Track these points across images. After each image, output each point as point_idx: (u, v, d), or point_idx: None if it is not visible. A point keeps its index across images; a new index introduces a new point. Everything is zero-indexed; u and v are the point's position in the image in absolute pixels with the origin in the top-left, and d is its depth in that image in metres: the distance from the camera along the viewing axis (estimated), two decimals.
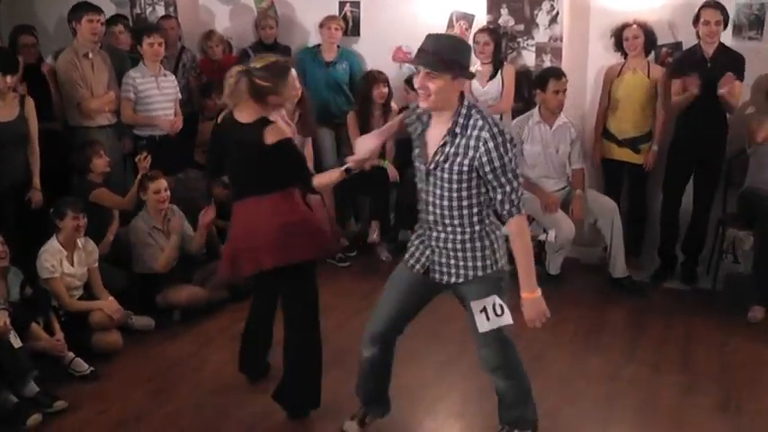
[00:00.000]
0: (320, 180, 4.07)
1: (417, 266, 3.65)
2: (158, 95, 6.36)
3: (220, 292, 5.77)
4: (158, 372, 4.82)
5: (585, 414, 4.36)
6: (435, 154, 3.41)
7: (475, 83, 6.48)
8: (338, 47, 7.12)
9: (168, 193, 5.64)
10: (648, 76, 6.13)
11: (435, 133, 3.45)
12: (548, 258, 6.23)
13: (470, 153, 3.32)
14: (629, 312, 5.76)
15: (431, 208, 3.52)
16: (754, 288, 5.66)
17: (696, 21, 5.83)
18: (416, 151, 3.57)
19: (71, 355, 4.76)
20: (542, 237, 6.09)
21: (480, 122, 3.32)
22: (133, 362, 4.96)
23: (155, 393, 4.56)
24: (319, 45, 7.15)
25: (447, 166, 3.38)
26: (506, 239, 3.55)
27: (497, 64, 6.46)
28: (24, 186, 5.57)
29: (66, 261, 5.06)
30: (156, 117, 6.32)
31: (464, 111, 3.36)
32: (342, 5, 7.31)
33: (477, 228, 3.49)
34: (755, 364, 4.96)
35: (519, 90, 6.59)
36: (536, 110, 6.15)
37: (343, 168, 3.90)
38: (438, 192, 3.46)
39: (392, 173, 6.69)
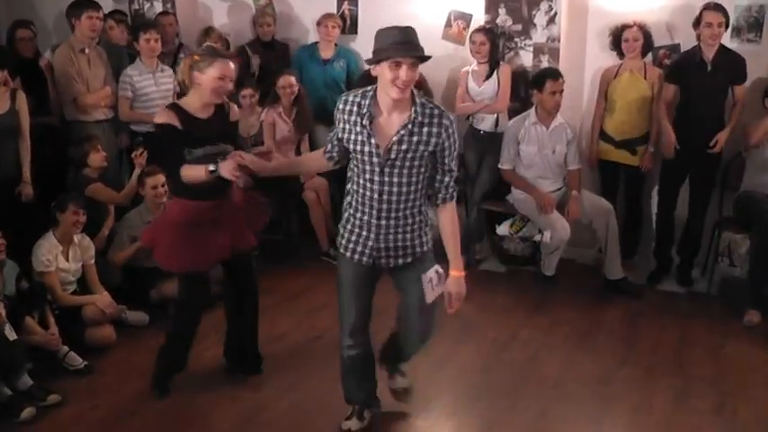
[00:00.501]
0: (186, 173, 4.02)
1: (364, 259, 3.72)
2: (156, 92, 6.36)
3: (215, 287, 5.74)
4: (151, 367, 4.78)
5: (579, 416, 4.36)
6: (397, 143, 3.49)
7: (471, 82, 6.47)
8: (336, 45, 7.11)
9: (166, 188, 5.62)
10: (645, 78, 6.12)
11: (390, 123, 3.52)
12: (543, 259, 6.22)
13: (433, 140, 3.49)
14: (624, 314, 5.75)
15: (384, 197, 3.58)
16: (749, 292, 5.66)
17: (697, 23, 5.80)
18: (359, 142, 3.56)
19: (65, 349, 4.75)
20: (538, 237, 6.09)
21: (436, 111, 3.52)
22: (127, 356, 4.95)
23: (147, 389, 4.53)
24: (317, 43, 7.14)
25: (410, 155, 3.50)
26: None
27: (494, 64, 6.45)
28: (15, 180, 5.54)
29: (61, 256, 5.06)
30: (153, 112, 6.30)
31: (419, 100, 3.52)
32: (340, 3, 7.30)
33: (422, 209, 3.71)
34: (751, 368, 4.96)
35: (516, 90, 6.58)
36: (533, 110, 6.15)
37: (209, 168, 3.90)
38: (396, 180, 3.55)
39: None
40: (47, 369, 4.63)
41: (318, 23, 7.04)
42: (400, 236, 3.68)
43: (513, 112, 6.47)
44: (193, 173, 3.99)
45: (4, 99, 5.50)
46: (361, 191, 3.63)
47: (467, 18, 6.86)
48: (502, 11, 6.75)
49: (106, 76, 6.32)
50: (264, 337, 5.19)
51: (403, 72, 3.39)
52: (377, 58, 3.45)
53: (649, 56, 6.25)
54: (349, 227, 3.75)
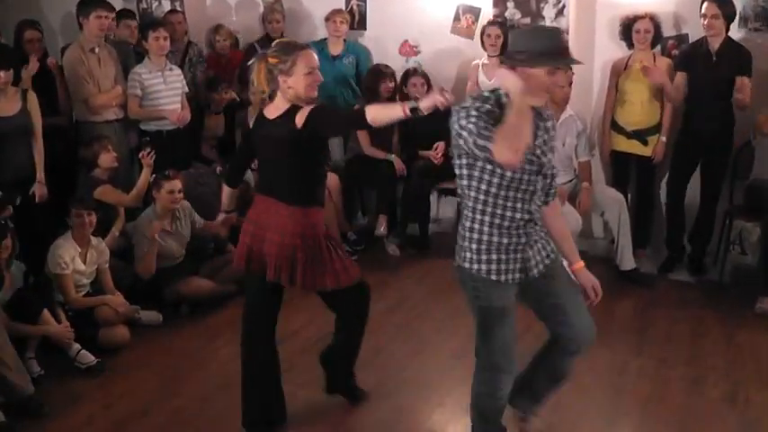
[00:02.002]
0: (376, 113, 3.59)
1: (517, 276, 3.41)
2: (165, 90, 6.37)
3: (228, 286, 5.78)
4: (166, 366, 4.84)
5: (593, 408, 4.36)
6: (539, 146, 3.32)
7: (482, 75, 6.49)
8: (345, 41, 7.11)
9: (182, 194, 5.63)
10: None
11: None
12: None
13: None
14: (637, 305, 5.75)
15: (535, 199, 3.36)
16: (761, 279, 5.66)
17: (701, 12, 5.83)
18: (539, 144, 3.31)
19: (77, 346, 4.78)
20: None
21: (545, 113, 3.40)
22: (140, 356, 4.97)
23: (162, 388, 4.58)
24: (326, 39, 7.14)
25: (551, 155, 3.40)
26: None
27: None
28: (28, 180, 5.57)
29: (78, 258, 5.07)
30: (163, 109, 6.33)
31: None
32: None
33: None
34: (763, 356, 4.96)
35: None
36: None
37: (408, 106, 3.47)
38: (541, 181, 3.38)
39: (399, 166, 6.70)
40: (59, 369, 4.67)
41: (327, 19, 7.04)
42: (543, 238, 3.48)
43: None
44: (387, 111, 3.61)
45: (15, 99, 5.52)
46: (510, 209, 3.31)
47: (475, 12, 6.86)
48: (510, 4, 6.75)
49: (116, 75, 6.34)
50: (278, 333, 5.18)
51: (560, 77, 3.29)
52: (538, 64, 3.16)
53: (658, 47, 6.24)
54: (503, 251, 3.36)
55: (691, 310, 5.61)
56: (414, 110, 3.45)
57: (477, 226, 3.35)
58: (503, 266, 3.37)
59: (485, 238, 3.34)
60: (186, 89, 6.58)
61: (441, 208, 7.30)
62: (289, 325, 5.35)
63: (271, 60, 3.72)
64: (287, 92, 3.73)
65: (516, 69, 3.17)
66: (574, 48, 6.43)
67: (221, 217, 4.80)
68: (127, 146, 6.44)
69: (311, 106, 3.71)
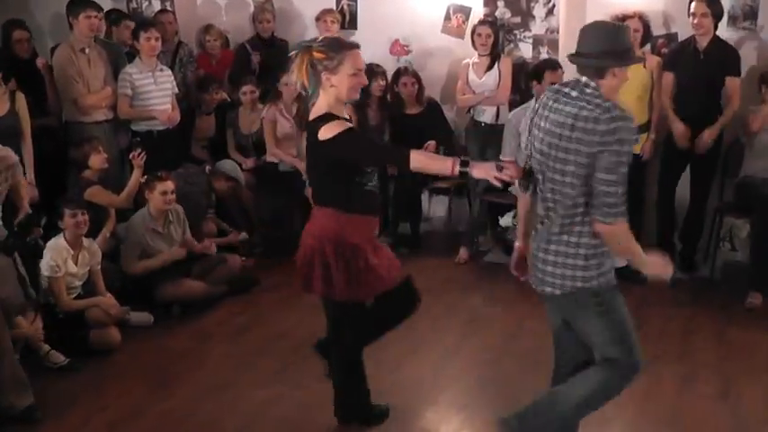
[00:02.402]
0: (421, 163, 3.52)
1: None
2: (155, 90, 6.35)
3: (219, 287, 5.77)
4: (157, 367, 4.82)
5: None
6: None
7: (472, 74, 6.48)
8: None
9: (174, 195, 5.60)
10: (644, 67, 6.13)
11: None
12: None
13: None
14: (629, 302, 5.58)
15: None
16: (751, 275, 5.70)
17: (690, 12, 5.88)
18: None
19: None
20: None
21: None
22: (132, 358, 4.95)
23: (153, 389, 4.55)
24: (317, 38, 7.11)
25: None
26: None
27: (495, 56, 6.45)
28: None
29: (70, 260, 5.04)
30: (153, 110, 6.31)
31: None
32: None
33: None
34: (754, 351, 4.98)
35: (516, 82, 6.59)
36: (533, 101, 6.14)
37: (458, 167, 3.39)
38: None
39: None
40: (53, 371, 4.66)
41: (317, 19, 7.02)
42: None
43: (513, 104, 6.48)
44: (435, 163, 3.60)
45: (3, 101, 5.51)
46: None
47: (466, 11, 6.87)
48: (500, 3, 6.77)
49: (106, 75, 6.32)
50: (269, 334, 5.23)
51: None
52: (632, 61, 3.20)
53: (647, 45, 6.26)
54: (604, 257, 3.27)
55: (682, 307, 5.63)
56: (463, 173, 3.42)
57: (585, 238, 3.22)
58: (611, 267, 3.30)
59: (592, 242, 3.22)
60: (176, 89, 6.57)
61: (432, 207, 7.30)
62: (280, 325, 5.37)
63: (316, 55, 3.55)
64: (328, 91, 3.58)
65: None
66: (564, 47, 6.54)
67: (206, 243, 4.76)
68: (117, 147, 6.42)
69: (342, 127, 3.50)
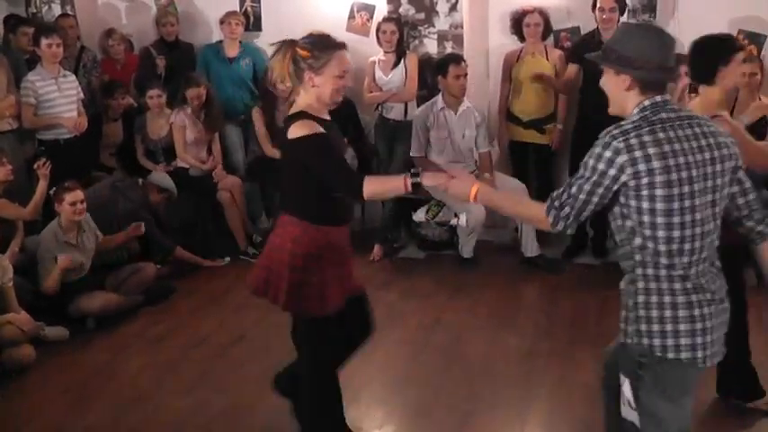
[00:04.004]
0: (374, 191, 3.33)
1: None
2: (60, 97, 6.22)
3: (134, 297, 5.68)
4: (75, 383, 4.72)
5: (506, 392, 4.45)
6: None
7: (378, 72, 6.53)
8: (240, 43, 7.06)
9: (84, 205, 5.47)
10: (547, 59, 6.28)
11: None
12: (461, 242, 6.32)
13: None
14: (543, 290, 5.89)
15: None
16: None
17: (594, 6, 6.04)
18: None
19: None
20: (454, 221, 6.16)
21: None
22: (48, 375, 4.83)
23: (73, 405, 4.46)
24: (221, 41, 7.08)
25: None
26: None
27: (400, 53, 6.50)
28: None
29: None
30: (59, 118, 6.17)
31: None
32: (242, 1, 7.26)
33: None
34: None
35: (422, 78, 6.65)
36: (439, 96, 6.25)
37: (410, 180, 3.26)
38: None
39: None
40: None
41: (221, 22, 6.98)
42: None
43: (421, 100, 6.55)
44: (388, 186, 3.43)
45: None
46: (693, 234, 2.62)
47: (370, 9, 6.91)
48: (404, 0, 6.81)
49: (8, 83, 6.15)
50: (189, 341, 5.18)
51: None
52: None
53: (551, 38, 6.41)
54: (705, 306, 2.63)
55: (596, 292, 5.75)
56: (416, 185, 3.26)
57: None
58: None
59: None
60: (82, 95, 6.44)
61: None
62: (199, 331, 5.33)
63: (300, 52, 3.36)
64: (309, 91, 3.40)
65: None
66: (468, 42, 6.64)
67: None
68: (23, 157, 6.25)
69: (311, 130, 3.31)
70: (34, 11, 7.56)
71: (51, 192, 5.52)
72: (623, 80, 2.73)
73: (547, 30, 6.26)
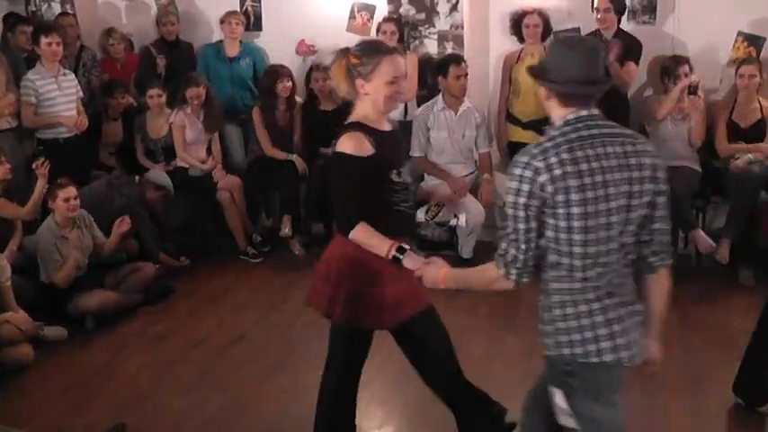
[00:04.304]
0: (359, 237, 3.22)
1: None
2: (60, 96, 6.22)
3: (134, 296, 5.68)
4: (74, 382, 4.72)
5: (505, 393, 4.43)
6: None
7: None
8: (241, 42, 7.06)
9: (78, 201, 5.47)
10: None
11: None
12: (460, 243, 6.32)
13: None
14: (541, 289, 5.87)
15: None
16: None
17: (593, 7, 6.09)
18: None
19: None
20: (453, 222, 6.17)
21: None
22: (47, 374, 4.83)
23: (72, 405, 4.46)
24: (222, 41, 7.08)
25: None
26: None
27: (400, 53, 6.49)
28: None
29: None
30: (59, 117, 6.17)
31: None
32: (243, 0, 7.25)
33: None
34: (664, 330, 4.91)
35: (422, 78, 6.66)
36: (440, 97, 6.25)
37: (393, 253, 3.18)
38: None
39: (301, 166, 6.71)
40: None
41: (222, 21, 6.98)
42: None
43: (421, 100, 6.55)
44: (373, 243, 3.22)
45: None
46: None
47: (370, 9, 6.90)
48: (404, 0, 6.81)
49: (7, 82, 6.15)
50: (188, 340, 5.18)
51: None
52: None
53: (549, 39, 6.41)
54: (609, 311, 2.68)
55: None
56: (396, 260, 3.16)
57: None
58: None
59: None
60: (81, 94, 6.44)
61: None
62: (197, 331, 5.33)
63: (352, 60, 3.25)
64: (364, 99, 3.27)
65: None
66: (469, 43, 6.64)
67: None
68: (22, 156, 6.25)
69: (354, 149, 3.17)
70: (34, 9, 7.54)
71: (44, 189, 5.53)
72: (542, 90, 2.75)
73: (546, 31, 6.26)
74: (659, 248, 2.74)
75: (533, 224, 2.61)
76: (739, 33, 6.20)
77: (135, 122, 6.88)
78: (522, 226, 2.62)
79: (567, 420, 2.76)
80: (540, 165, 2.56)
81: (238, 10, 7.15)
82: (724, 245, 5.75)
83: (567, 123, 2.65)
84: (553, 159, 2.55)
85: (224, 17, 6.96)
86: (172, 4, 7.33)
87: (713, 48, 6.29)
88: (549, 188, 2.54)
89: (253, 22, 7.25)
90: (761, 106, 6.06)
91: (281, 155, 6.74)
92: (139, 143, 6.86)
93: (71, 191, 5.43)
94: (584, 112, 2.66)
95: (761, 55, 6.16)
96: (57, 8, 7.45)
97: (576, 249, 2.58)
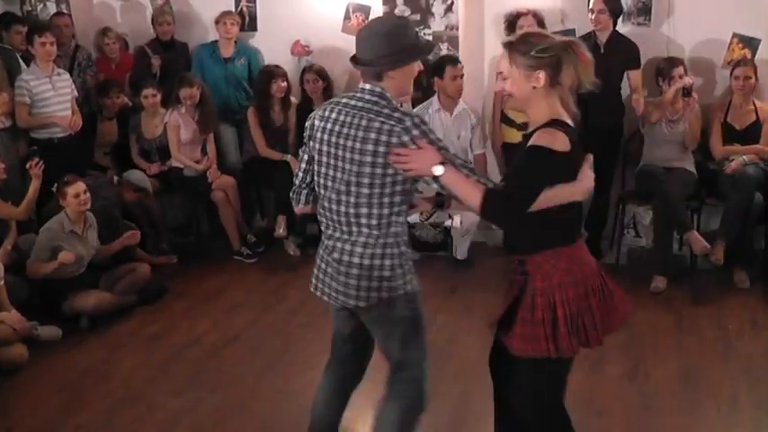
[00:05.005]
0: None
1: None
2: (54, 96, 6.19)
3: (128, 297, 5.67)
4: (68, 382, 4.70)
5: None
6: None
7: None
8: (236, 42, 7.05)
9: (88, 195, 5.46)
10: None
11: None
12: (455, 244, 6.32)
13: None
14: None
15: None
16: (655, 260, 5.92)
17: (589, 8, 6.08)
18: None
19: None
20: (448, 223, 6.17)
21: None
22: (41, 374, 4.81)
23: (65, 405, 4.44)
24: (217, 41, 7.07)
25: None
26: None
27: None
28: None
29: None
30: (54, 116, 6.15)
31: None
32: (238, 1, 7.24)
33: None
34: (659, 332, 5.15)
35: (417, 79, 6.63)
36: (435, 98, 6.24)
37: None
38: None
39: (295, 166, 6.65)
40: None
41: (217, 22, 6.96)
42: None
43: (415, 101, 6.54)
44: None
45: None
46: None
47: (365, 10, 6.90)
48: (399, 1, 6.81)
49: (2, 81, 6.13)
50: (182, 341, 5.17)
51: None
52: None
53: None
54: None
55: None
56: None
57: None
58: None
59: None
60: (76, 93, 6.42)
61: None
62: (192, 331, 5.32)
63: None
64: (551, 93, 3.04)
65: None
66: (464, 44, 6.64)
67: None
68: (17, 156, 6.22)
69: (555, 145, 2.93)
70: (29, 9, 7.52)
71: (54, 189, 5.52)
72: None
73: None
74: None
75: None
76: (734, 35, 6.20)
77: (130, 122, 6.87)
78: None
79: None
80: (314, 114, 3.26)
81: (233, 10, 7.13)
82: (719, 246, 5.74)
83: (354, 92, 3.25)
84: (318, 113, 3.23)
85: (219, 17, 6.94)
86: (167, 4, 7.31)
87: (708, 49, 6.29)
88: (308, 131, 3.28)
89: (248, 22, 7.23)
90: (755, 108, 6.06)
91: (275, 155, 6.73)
92: (134, 143, 6.85)
93: (80, 186, 5.43)
94: (366, 86, 3.21)
95: (755, 57, 6.16)
96: (52, 8, 7.42)
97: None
